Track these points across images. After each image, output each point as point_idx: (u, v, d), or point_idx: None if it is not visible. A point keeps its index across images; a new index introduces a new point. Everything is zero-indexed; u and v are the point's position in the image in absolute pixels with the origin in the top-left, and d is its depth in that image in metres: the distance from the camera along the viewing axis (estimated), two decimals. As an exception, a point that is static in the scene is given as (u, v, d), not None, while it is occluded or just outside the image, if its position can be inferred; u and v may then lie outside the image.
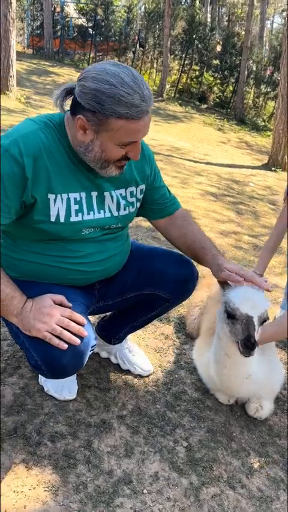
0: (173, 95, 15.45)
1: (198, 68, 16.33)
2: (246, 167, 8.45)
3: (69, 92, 1.28)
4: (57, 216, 1.32)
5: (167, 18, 13.97)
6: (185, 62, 16.27)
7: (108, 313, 1.92)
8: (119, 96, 1.16)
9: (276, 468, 1.62)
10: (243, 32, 15.56)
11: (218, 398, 1.85)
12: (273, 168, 8.55)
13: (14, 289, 1.31)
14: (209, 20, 19.68)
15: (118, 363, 1.93)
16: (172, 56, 16.07)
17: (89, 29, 17.48)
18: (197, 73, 16.25)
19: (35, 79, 13.06)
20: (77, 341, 1.26)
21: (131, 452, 1.54)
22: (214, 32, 15.95)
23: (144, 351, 2.06)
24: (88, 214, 1.37)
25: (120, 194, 1.45)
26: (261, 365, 1.71)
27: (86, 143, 1.26)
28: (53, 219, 1.32)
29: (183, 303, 2.53)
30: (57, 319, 1.27)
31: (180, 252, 1.69)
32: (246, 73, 14.28)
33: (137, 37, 17.23)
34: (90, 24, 17.38)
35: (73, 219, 1.34)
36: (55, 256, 1.40)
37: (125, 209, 1.47)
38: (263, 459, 1.64)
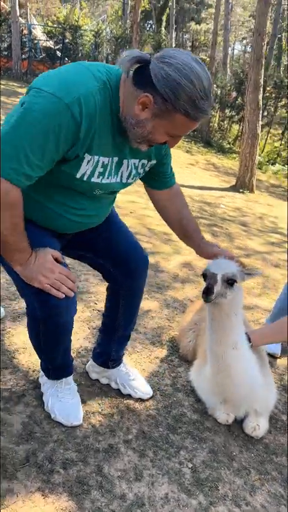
0: (141, 117, 15.75)
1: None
2: (215, 189, 8.72)
3: (140, 62, 1.27)
4: (83, 175, 1.40)
5: (135, 45, 14.32)
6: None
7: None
8: (195, 98, 1.22)
9: (276, 484, 1.71)
10: (207, 59, 16.18)
11: (217, 419, 1.93)
12: (241, 190, 8.85)
13: (27, 242, 1.41)
14: (173, 46, 20.33)
15: (119, 388, 1.99)
16: (140, 80, 16.44)
17: (57, 51, 17.68)
18: (164, 96, 16.66)
19: (4, 100, 13.06)
20: (71, 293, 1.48)
21: (140, 476, 1.60)
22: (180, 58, 16.49)
23: (142, 375, 2.13)
24: (107, 178, 1.46)
25: (134, 164, 1.52)
26: (255, 371, 1.85)
27: (140, 118, 1.30)
28: (78, 176, 1.39)
29: (174, 326, 2.63)
30: (57, 275, 1.45)
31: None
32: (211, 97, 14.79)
33: (105, 61, 17.56)
34: (58, 47, 17.59)
35: (94, 179, 1.43)
36: (61, 203, 1.49)
37: (132, 178, 1.56)
38: (263, 476, 1.73)
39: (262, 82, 9.02)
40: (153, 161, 1.61)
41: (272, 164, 12.89)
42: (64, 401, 1.76)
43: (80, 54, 17.28)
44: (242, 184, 8.98)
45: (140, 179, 1.69)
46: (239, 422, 1.95)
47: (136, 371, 2.06)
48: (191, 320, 2.41)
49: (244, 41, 34.25)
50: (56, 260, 1.48)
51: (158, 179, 1.70)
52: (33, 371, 2.00)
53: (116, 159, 1.44)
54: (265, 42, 9.14)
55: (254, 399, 1.87)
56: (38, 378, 1.94)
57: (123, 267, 1.77)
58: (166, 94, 1.23)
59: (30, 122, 1.21)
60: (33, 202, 1.47)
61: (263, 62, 8.98)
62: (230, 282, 1.65)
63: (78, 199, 1.50)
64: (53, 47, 17.94)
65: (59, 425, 1.73)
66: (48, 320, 1.53)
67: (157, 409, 1.95)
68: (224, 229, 5.46)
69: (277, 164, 12.88)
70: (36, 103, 1.21)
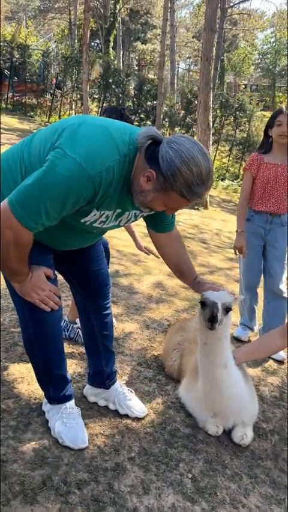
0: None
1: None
2: (172, 207, 9.04)
3: (153, 140, 1.47)
4: (86, 221, 1.61)
5: (85, 65, 14.55)
6: (104, 105, 16.97)
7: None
8: (191, 184, 1.42)
9: (265, 486, 1.92)
10: (155, 77, 16.73)
11: (207, 431, 2.12)
12: (196, 207, 9.23)
13: (27, 268, 1.64)
14: (121, 65, 20.81)
15: (116, 409, 2.14)
16: (91, 99, 16.69)
17: (6, 70, 17.59)
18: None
19: None
20: (56, 307, 1.76)
21: (148, 489, 1.76)
22: (129, 78, 16.90)
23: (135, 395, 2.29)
24: (106, 224, 1.67)
25: (135, 213, 1.72)
26: (242, 385, 2.07)
27: (143, 189, 1.50)
28: (82, 220, 1.61)
29: (156, 346, 2.81)
30: (47, 293, 1.71)
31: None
32: (161, 116, 15.28)
33: (54, 80, 17.68)
34: (6, 65, 17.50)
35: (95, 225, 1.64)
36: (62, 233, 1.70)
37: (129, 222, 1.77)
38: (253, 480, 1.93)
39: (211, 104, 9.52)
40: (153, 211, 1.77)
41: (222, 180, 13.46)
42: (69, 426, 1.89)
43: (28, 74, 17.30)
44: (197, 201, 9.37)
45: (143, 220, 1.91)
46: (227, 433, 2.15)
47: (131, 391, 2.22)
48: (173, 340, 2.60)
49: (188, 60, 35.60)
50: (48, 277, 1.73)
51: (158, 223, 1.89)
52: (35, 399, 2.11)
53: (118, 211, 1.64)
54: (212, 67, 9.67)
55: (242, 411, 2.08)
56: (40, 405, 2.05)
57: (88, 287, 2.02)
58: (167, 175, 1.43)
59: (55, 182, 1.39)
60: (43, 232, 1.61)
61: (211, 85, 9.50)
62: (227, 310, 1.87)
63: (77, 232, 1.72)
64: (1, 65, 17.83)
65: (68, 448, 1.85)
66: (37, 329, 1.78)
67: (153, 426, 2.11)
68: (186, 247, 5.73)
69: (226, 180, 13.48)
70: (62, 166, 1.38)
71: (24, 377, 2.25)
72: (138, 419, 2.13)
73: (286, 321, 2.22)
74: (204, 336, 1.95)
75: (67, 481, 1.70)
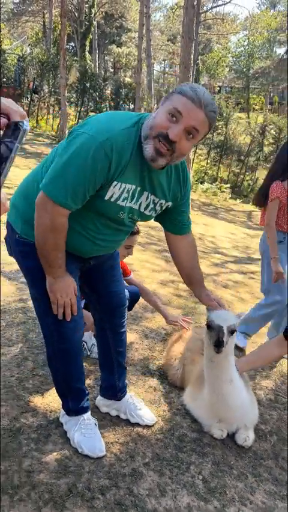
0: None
1: (93, 114, 17.21)
2: (155, 212, 9.21)
3: None
4: (111, 197, 1.68)
5: (62, 70, 14.61)
6: (81, 109, 17.04)
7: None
8: (189, 87, 1.55)
9: (269, 483, 2.10)
10: (132, 81, 16.91)
11: (212, 435, 2.29)
12: (178, 211, 9.43)
13: (63, 261, 1.75)
14: (97, 69, 20.88)
15: (128, 419, 2.29)
16: (68, 103, 16.73)
17: (-19, 75, 17.45)
18: (93, 119, 17.10)
19: None
20: (69, 318, 1.86)
21: (164, 491, 1.91)
22: (107, 82, 17.02)
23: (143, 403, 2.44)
24: (130, 202, 1.74)
25: (153, 200, 1.80)
26: (244, 393, 2.26)
27: (153, 115, 1.60)
28: (106, 198, 1.68)
29: (157, 355, 2.97)
30: (67, 300, 1.82)
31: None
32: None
33: (32, 84, 17.65)
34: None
35: (119, 202, 1.71)
36: (86, 227, 1.78)
37: (149, 211, 1.83)
38: (257, 478, 2.11)
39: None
40: (169, 203, 1.87)
41: (201, 183, 13.73)
42: (88, 436, 2.03)
43: (5, 79, 17.22)
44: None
45: (158, 221, 2.01)
46: (230, 436, 2.33)
47: (141, 401, 2.37)
48: (174, 350, 2.76)
49: (163, 63, 35.91)
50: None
51: (175, 224, 1.99)
52: (51, 412, 2.24)
53: (138, 188, 1.73)
54: (190, 74, 9.90)
55: (245, 417, 2.26)
56: (57, 418, 2.18)
57: (105, 306, 2.15)
58: (174, 89, 1.60)
59: (73, 156, 1.57)
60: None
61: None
62: (232, 332, 2.04)
63: (102, 226, 1.81)
64: (-24, 70, 17.68)
65: (87, 457, 1.99)
66: (61, 345, 1.92)
67: (163, 433, 2.27)
68: (173, 253, 5.90)
69: (205, 183, 13.75)
70: (76, 142, 1.58)
71: (38, 391, 2.37)
72: (148, 426, 2.28)
73: (282, 331, 2.40)
74: (211, 354, 2.11)
75: (90, 488, 1.84)
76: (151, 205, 1.81)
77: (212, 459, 2.16)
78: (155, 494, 1.89)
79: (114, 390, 2.27)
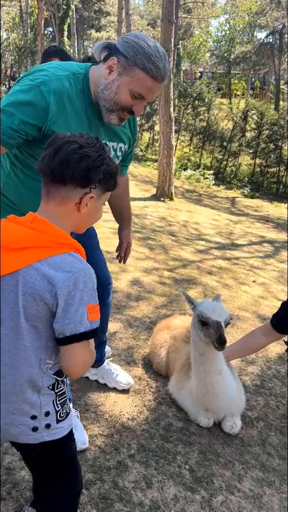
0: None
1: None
2: (138, 200, 9.11)
3: (106, 47, 1.57)
4: None
5: (40, 55, 14.26)
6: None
7: None
8: (150, 55, 1.48)
9: (256, 470, 2.08)
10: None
11: (199, 423, 2.26)
12: (161, 199, 9.35)
13: None
14: (76, 54, 20.49)
15: (105, 383, 2.42)
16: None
17: None
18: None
19: None
20: None
21: (150, 483, 1.87)
22: (86, 68, 16.74)
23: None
24: None
25: (112, 146, 1.74)
26: (232, 381, 2.24)
27: (107, 81, 1.53)
28: None
29: (142, 344, 2.92)
30: None
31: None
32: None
33: (9, 70, 17.26)
34: None
35: None
36: (35, 188, 1.53)
37: (113, 158, 1.81)
38: (244, 465, 2.09)
39: (172, 96, 9.61)
40: (126, 147, 1.83)
41: (184, 169, 13.65)
42: None
43: (-18, 65, 16.79)
44: (162, 193, 9.49)
45: None
46: (217, 423, 2.30)
47: (118, 366, 2.51)
48: (159, 338, 2.71)
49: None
50: None
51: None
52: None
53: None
54: (172, 58, 9.74)
55: (232, 405, 2.23)
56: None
57: None
58: (127, 52, 1.50)
59: (13, 93, 1.52)
60: (13, 186, 1.66)
61: (171, 77, 9.57)
62: (227, 325, 2.01)
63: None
64: None
65: (71, 451, 1.93)
66: None
67: (148, 423, 2.22)
68: (158, 241, 5.84)
69: (188, 170, 13.67)
70: (17, 85, 1.55)
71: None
72: (133, 417, 2.24)
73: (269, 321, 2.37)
74: (201, 348, 2.06)
75: (75, 483, 1.79)
76: (112, 153, 1.74)
77: (199, 448, 2.13)
78: (141, 486, 1.85)
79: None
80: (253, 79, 33.01)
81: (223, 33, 30.31)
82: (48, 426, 1.18)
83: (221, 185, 13.29)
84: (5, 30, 25.50)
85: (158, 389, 2.51)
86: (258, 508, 1.87)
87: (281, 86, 25.96)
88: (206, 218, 8.46)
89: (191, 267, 5.02)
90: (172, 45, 9.74)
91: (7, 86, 17.17)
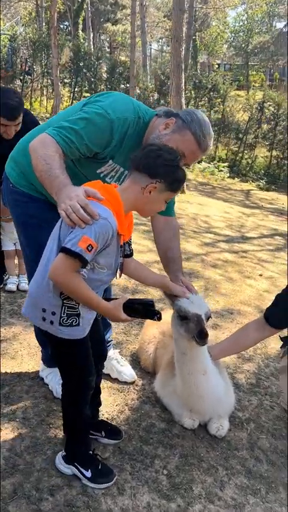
0: (66, 122, 15.68)
1: (88, 95, 16.80)
2: (148, 192, 8.96)
3: (169, 112, 1.83)
4: (102, 172, 1.84)
5: (54, 49, 14.18)
6: (75, 89, 16.63)
7: None
8: (202, 127, 1.77)
9: (241, 476, 1.92)
10: (127, 60, 16.44)
11: (183, 424, 2.11)
12: (173, 191, 9.18)
13: (61, 171, 1.61)
14: (92, 48, 20.37)
15: (109, 373, 2.38)
16: (62, 84, 16.33)
17: (-27, 57, 17.05)
18: (88, 99, 16.71)
19: None
20: (88, 219, 1.44)
21: (122, 490, 1.74)
22: (100, 61, 16.56)
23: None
24: (115, 182, 1.86)
25: None
26: (219, 382, 2.08)
27: (161, 133, 1.77)
28: (98, 171, 1.84)
29: (132, 340, 2.78)
30: (71, 203, 1.46)
31: None
32: (135, 99, 15.08)
33: (24, 65, 17.22)
34: (-27, 52, 16.96)
35: (107, 179, 1.85)
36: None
37: None
38: (229, 471, 1.93)
39: (183, 86, 9.39)
40: None
41: (199, 162, 13.40)
42: None
43: (-3, 60, 16.80)
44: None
45: None
46: (202, 425, 2.15)
47: (125, 359, 2.50)
48: (148, 333, 2.57)
49: (161, 41, 35.06)
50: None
51: None
52: None
53: (126, 172, 1.84)
54: (183, 48, 9.51)
55: (218, 407, 2.08)
56: (6, 412, 2.00)
57: None
58: (185, 117, 1.78)
59: (85, 117, 1.70)
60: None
61: (183, 67, 9.35)
62: (208, 318, 1.86)
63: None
64: None
65: (41, 454, 1.82)
66: None
67: (128, 424, 2.09)
68: (163, 234, 5.68)
69: (203, 162, 13.42)
70: (92, 109, 1.72)
71: (-6, 381, 2.20)
72: (113, 418, 2.11)
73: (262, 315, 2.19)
74: (183, 347, 1.92)
75: (39, 488, 1.67)
76: None
77: (180, 451, 1.98)
78: (112, 492, 1.72)
79: None
80: (272, 70, 32.29)
81: (241, 23, 29.69)
82: (51, 322, 1.54)
83: (236, 178, 13.02)
84: (23, 25, 25.54)
85: (144, 387, 2.38)
86: (240, 519, 1.72)
87: (301, 77, 25.29)
88: (218, 211, 8.25)
89: (195, 260, 4.86)
90: (183, 34, 9.53)
91: (22, 80, 17.16)
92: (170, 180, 1.53)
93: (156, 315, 1.58)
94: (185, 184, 9.52)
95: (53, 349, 1.70)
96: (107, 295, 2.14)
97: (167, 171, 1.51)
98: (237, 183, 12.56)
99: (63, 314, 1.53)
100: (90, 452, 1.77)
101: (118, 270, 1.64)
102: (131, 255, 1.79)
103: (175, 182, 1.55)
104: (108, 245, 1.48)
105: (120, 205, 1.50)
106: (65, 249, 1.41)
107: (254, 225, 7.48)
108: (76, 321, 1.55)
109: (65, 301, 1.53)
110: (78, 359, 1.64)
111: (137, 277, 1.93)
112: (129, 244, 1.77)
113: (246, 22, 29.12)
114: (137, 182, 1.52)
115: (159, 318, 1.59)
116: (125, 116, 1.74)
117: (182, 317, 1.86)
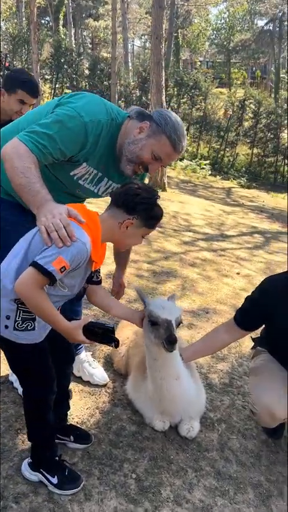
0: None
1: (70, 91, 16.63)
2: (129, 190, 8.93)
3: (141, 112, 1.82)
4: (75, 174, 1.81)
5: (33, 45, 14.01)
6: (56, 86, 16.48)
7: None
8: (177, 130, 1.76)
9: (210, 478, 1.92)
10: (109, 56, 16.33)
11: (153, 427, 2.10)
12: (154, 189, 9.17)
13: (40, 185, 1.59)
14: (74, 44, 20.18)
15: (80, 376, 2.38)
16: (42, 80, 16.15)
17: None
18: (69, 96, 16.55)
19: None
20: (67, 240, 1.45)
21: (89, 495, 1.72)
22: (82, 58, 16.43)
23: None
24: (88, 184, 1.87)
25: (111, 184, 1.92)
26: (191, 385, 2.07)
27: (135, 138, 1.76)
28: (71, 174, 1.81)
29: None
30: (54, 221, 1.47)
31: None
32: (116, 96, 14.98)
33: (4, 61, 16.99)
34: None
35: (80, 182, 1.84)
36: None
37: (106, 195, 1.94)
38: (198, 473, 1.94)
39: (164, 83, 9.37)
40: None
41: (180, 160, 13.40)
42: None
43: (-24, 55, 16.53)
44: (155, 183, 9.28)
45: None
46: (173, 427, 2.14)
47: (96, 361, 2.49)
48: (122, 335, 2.55)
49: (143, 38, 34.90)
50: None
51: None
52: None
53: (100, 174, 1.85)
54: (163, 45, 9.49)
55: (189, 408, 2.07)
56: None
57: None
58: (159, 122, 1.76)
59: (57, 120, 1.67)
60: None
61: (163, 64, 9.32)
62: (179, 324, 1.85)
63: (61, 194, 1.84)
64: None
65: (8, 460, 1.79)
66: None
67: (98, 427, 2.07)
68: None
69: (185, 160, 13.43)
70: (64, 111, 1.68)
71: None
72: (83, 422, 2.09)
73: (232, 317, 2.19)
74: (154, 353, 1.90)
75: (4, 495, 1.65)
76: (109, 190, 1.94)
77: (150, 454, 1.98)
78: (79, 498, 1.70)
79: None
80: (254, 68, 32.47)
81: (222, 21, 29.78)
82: (6, 327, 1.52)
83: (218, 176, 13.08)
84: (2, 20, 25.15)
85: (115, 390, 2.36)
86: (208, 521, 1.72)
87: (282, 75, 25.48)
88: (198, 209, 8.27)
89: (174, 259, 4.85)
90: (164, 31, 9.50)
91: (2, 76, 16.92)
92: (147, 217, 1.59)
93: (114, 342, 1.57)
94: (166, 182, 9.54)
95: (8, 354, 1.65)
96: (75, 317, 2.13)
97: (144, 208, 1.57)
98: (218, 181, 12.63)
99: (18, 318, 1.52)
100: (57, 458, 1.75)
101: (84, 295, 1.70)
102: (99, 282, 1.79)
103: (151, 219, 1.62)
104: (78, 268, 1.49)
105: (98, 232, 1.55)
106: (38, 265, 1.41)
107: (234, 222, 7.52)
108: (31, 325, 1.54)
109: (19, 306, 1.50)
110: (34, 364, 1.61)
111: (102, 307, 1.94)
112: (98, 272, 1.76)
113: (227, 20, 29.21)
114: (115, 217, 1.59)
115: (117, 346, 1.59)
116: (98, 119, 1.73)
117: (153, 322, 1.84)
